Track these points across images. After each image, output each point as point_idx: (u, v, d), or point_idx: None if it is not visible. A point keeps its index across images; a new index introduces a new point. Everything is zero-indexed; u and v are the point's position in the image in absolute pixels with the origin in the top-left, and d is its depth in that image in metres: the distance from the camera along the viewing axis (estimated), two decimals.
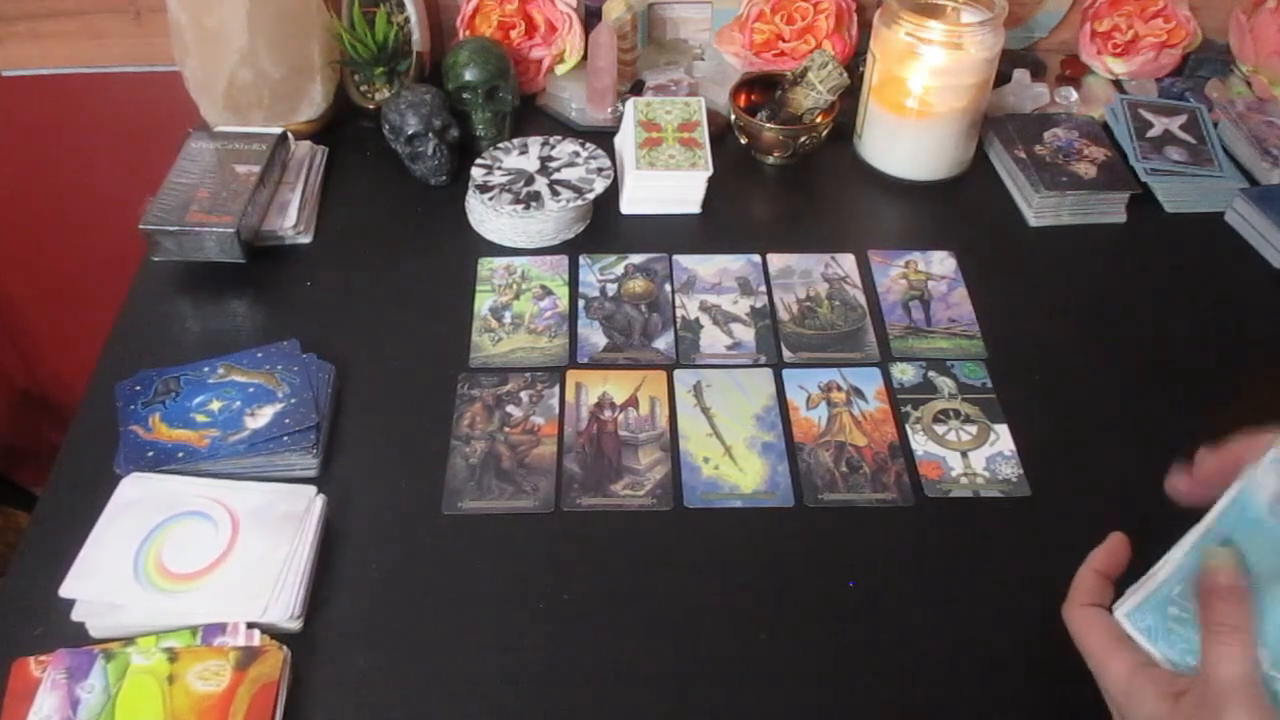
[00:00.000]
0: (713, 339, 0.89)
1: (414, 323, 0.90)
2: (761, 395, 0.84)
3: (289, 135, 1.02)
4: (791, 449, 0.80)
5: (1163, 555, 0.55)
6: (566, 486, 0.77)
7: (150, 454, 0.75)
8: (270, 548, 0.70)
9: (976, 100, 1.02)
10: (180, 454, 0.75)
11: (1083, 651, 0.54)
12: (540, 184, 0.97)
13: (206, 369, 0.81)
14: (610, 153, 1.02)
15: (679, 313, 0.91)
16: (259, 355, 0.83)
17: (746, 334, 0.89)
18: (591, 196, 0.96)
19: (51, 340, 1.51)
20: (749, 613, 0.70)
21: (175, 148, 0.98)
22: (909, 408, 0.83)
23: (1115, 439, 0.81)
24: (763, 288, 0.94)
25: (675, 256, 0.97)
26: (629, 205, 1.02)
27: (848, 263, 0.96)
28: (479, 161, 1.01)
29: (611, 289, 0.93)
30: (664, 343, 0.89)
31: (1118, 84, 1.20)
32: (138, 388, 0.80)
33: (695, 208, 1.02)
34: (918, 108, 1.01)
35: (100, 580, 0.67)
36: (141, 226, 0.89)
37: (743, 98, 1.10)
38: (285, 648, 0.65)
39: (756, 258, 0.97)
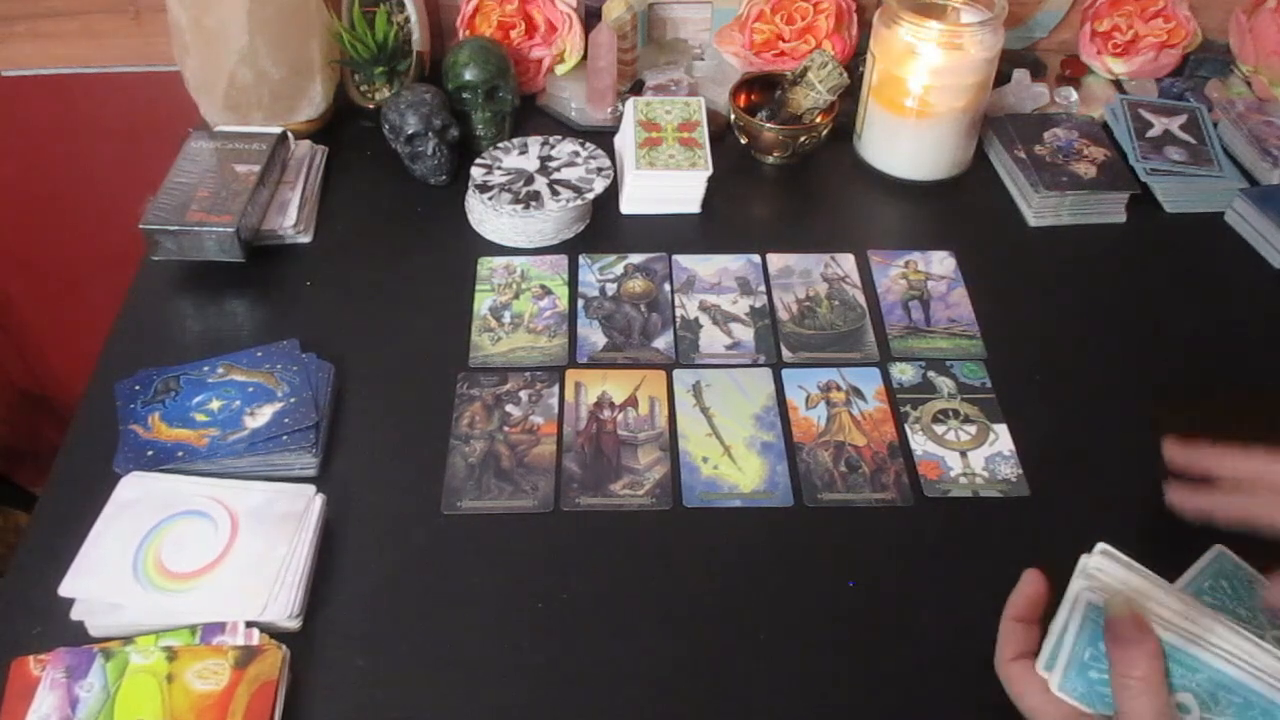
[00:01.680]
0: (712, 339, 0.89)
1: (414, 322, 0.90)
2: (761, 395, 0.84)
3: (289, 135, 1.02)
4: (791, 449, 0.80)
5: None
6: (566, 486, 0.77)
7: (150, 453, 0.75)
8: (269, 547, 0.70)
9: (976, 100, 1.02)
10: (180, 453, 0.75)
11: (1018, 705, 0.54)
12: (540, 184, 0.97)
13: (206, 368, 0.81)
14: (610, 152, 1.02)
15: (678, 312, 0.91)
16: (259, 354, 0.83)
17: (746, 334, 0.89)
18: (591, 196, 0.96)
19: (51, 340, 1.51)
20: (748, 612, 0.70)
21: (175, 148, 0.98)
22: (908, 407, 0.83)
23: (1114, 439, 0.81)
24: (762, 287, 0.94)
25: (675, 256, 0.97)
26: (628, 205, 1.02)
27: (847, 263, 0.96)
28: (479, 161, 1.01)
29: (611, 289, 0.93)
30: (663, 342, 0.89)
31: (1118, 84, 1.20)
32: (137, 387, 0.80)
33: (695, 207, 1.02)
34: (917, 108, 1.01)
35: (99, 579, 0.67)
36: (141, 226, 0.89)
37: (742, 98, 1.10)
38: (284, 647, 0.65)
39: (756, 257, 0.97)
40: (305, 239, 0.98)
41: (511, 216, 0.95)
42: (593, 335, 0.89)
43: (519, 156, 1.02)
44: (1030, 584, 0.56)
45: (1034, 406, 0.83)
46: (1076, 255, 0.99)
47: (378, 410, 0.82)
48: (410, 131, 0.99)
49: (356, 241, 0.98)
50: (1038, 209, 1.01)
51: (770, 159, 1.08)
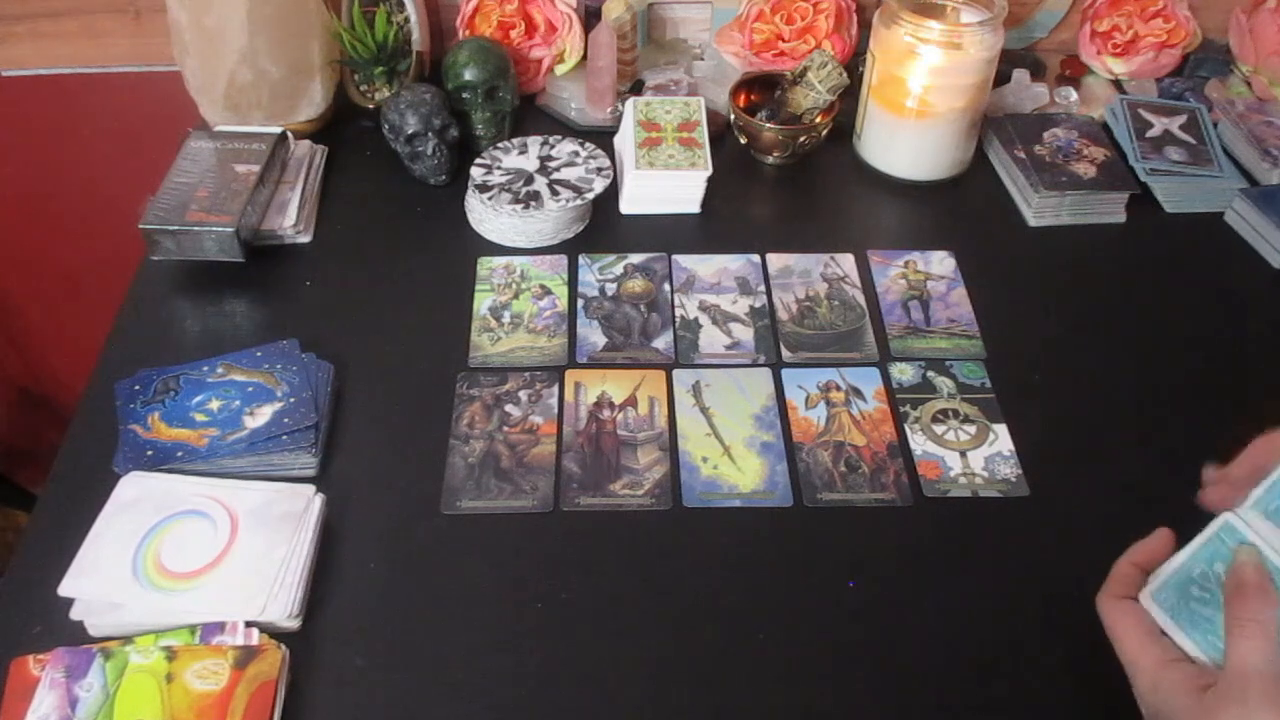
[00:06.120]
0: (712, 339, 0.89)
1: (413, 322, 0.90)
2: (760, 395, 0.84)
3: (289, 135, 1.02)
4: (790, 449, 0.80)
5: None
6: (565, 486, 0.77)
7: (149, 453, 0.75)
8: (269, 547, 0.70)
9: (976, 100, 1.02)
10: (179, 453, 0.75)
11: (1114, 643, 0.55)
12: (540, 184, 0.97)
13: (206, 368, 0.81)
14: (610, 152, 1.03)
15: (678, 312, 0.91)
16: (258, 354, 0.83)
17: (745, 334, 0.89)
18: (591, 196, 0.96)
19: (51, 340, 1.51)
20: (747, 612, 0.70)
21: (175, 148, 0.98)
22: (908, 407, 0.83)
23: (1114, 439, 0.81)
24: (762, 287, 0.94)
25: (674, 256, 0.97)
26: (628, 205, 1.02)
27: (847, 262, 0.96)
28: (478, 161, 1.01)
29: (611, 288, 0.93)
30: (663, 342, 0.89)
31: (1117, 84, 1.20)
32: (137, 387, 0.80)
33: (694, 207, 1.02)
34: (917, 108, 1.01)
35: (99, 579, 0.67)
36: (141, 226, 0.89)
37: (742, 98, 1.10)
38: (284, 646, 0.65)
39: (756, 257, 0.97)
40: (305, 239, 0.98)
41: (511, 216, 0.95)
42: (592, 335, 0.89)
43: (519, 156, 1.02)
44: (1159, 537, 0.57)
45: (1034, 406, 0.83)
46: (1076, 255, 0.99)
47: (378, 410, 0.82)
48: (410, 131, 0.99)
49: (356, 241, 0.98)
50: (1038, 209, 1.01)
51: (770, 159, 1.08)
